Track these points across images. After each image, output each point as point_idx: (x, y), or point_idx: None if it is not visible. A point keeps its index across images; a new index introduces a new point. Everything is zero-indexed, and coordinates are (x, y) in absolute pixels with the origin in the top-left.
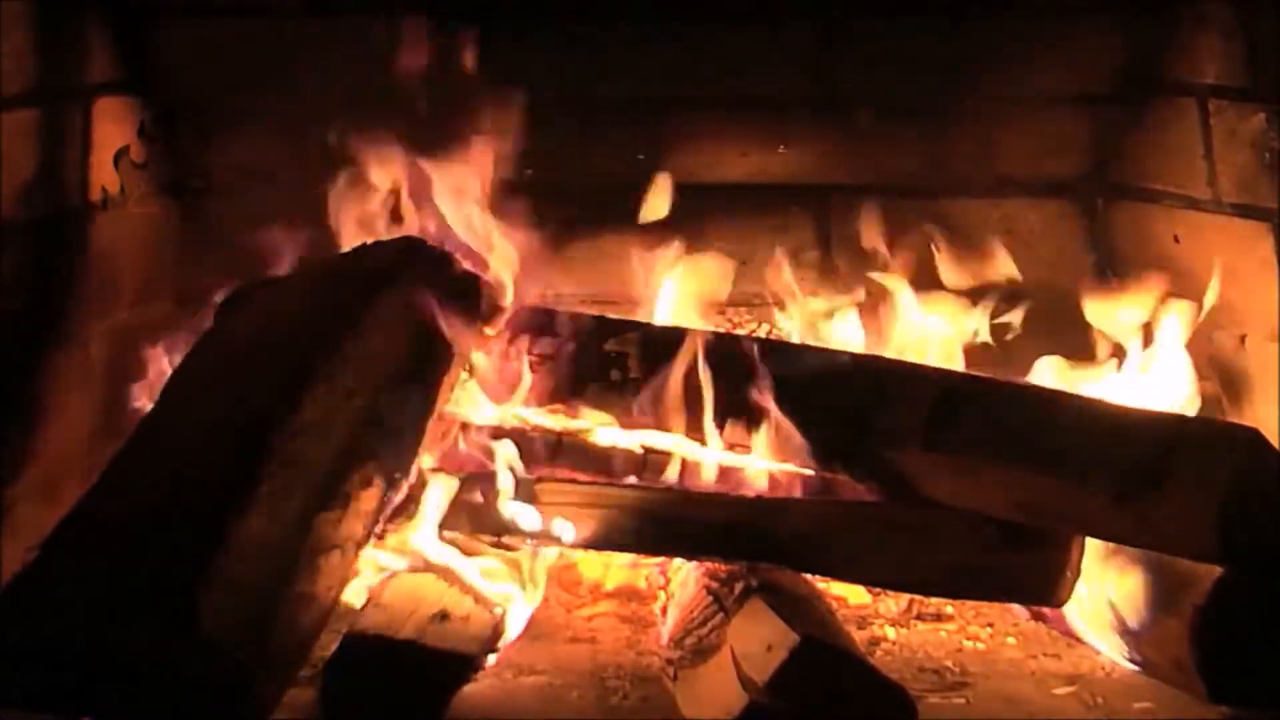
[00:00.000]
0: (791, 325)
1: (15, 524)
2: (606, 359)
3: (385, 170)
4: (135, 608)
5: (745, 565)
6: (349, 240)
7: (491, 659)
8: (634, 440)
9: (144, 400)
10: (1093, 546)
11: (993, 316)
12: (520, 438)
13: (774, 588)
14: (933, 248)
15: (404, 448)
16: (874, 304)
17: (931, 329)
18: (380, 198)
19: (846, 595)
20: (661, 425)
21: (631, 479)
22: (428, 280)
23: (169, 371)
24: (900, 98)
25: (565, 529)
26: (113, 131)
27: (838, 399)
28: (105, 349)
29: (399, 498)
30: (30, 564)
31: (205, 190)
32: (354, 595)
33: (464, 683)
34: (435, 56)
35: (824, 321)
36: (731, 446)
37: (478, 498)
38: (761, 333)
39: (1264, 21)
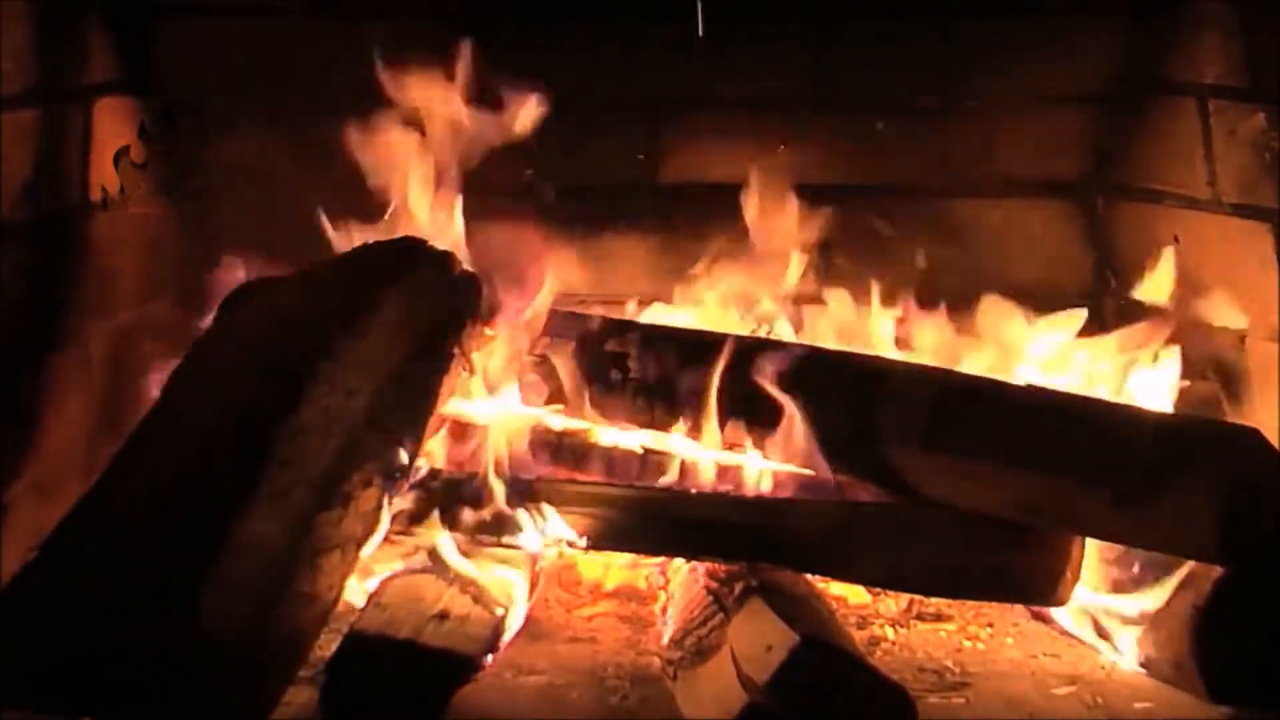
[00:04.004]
0: (791, 325)
1: (15, 524)
2: (607, 359)
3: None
4: (135, 607)
5: (745, 565)
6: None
7: (491, 659)
8: (634, 440)
9: (144, 399)
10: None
11: None
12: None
13: (774, 588)
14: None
15: (404, 448)
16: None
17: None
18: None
19: (846, 595)
20: (662, 425)
21: (631, 479)
22: (428, 280)
23: (169, 372)
24: (900, 98)
25: (565, 529)
26: (113, 131)
27: (838, 399)
28: (105, 349)
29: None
30: (30, 564)
31: (205, 190)
32: (354, 595)
33: (464, 683)
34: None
35: (824, 321)
36: (731, 446)
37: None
38: (761, 333)
39: (1264, 21)
